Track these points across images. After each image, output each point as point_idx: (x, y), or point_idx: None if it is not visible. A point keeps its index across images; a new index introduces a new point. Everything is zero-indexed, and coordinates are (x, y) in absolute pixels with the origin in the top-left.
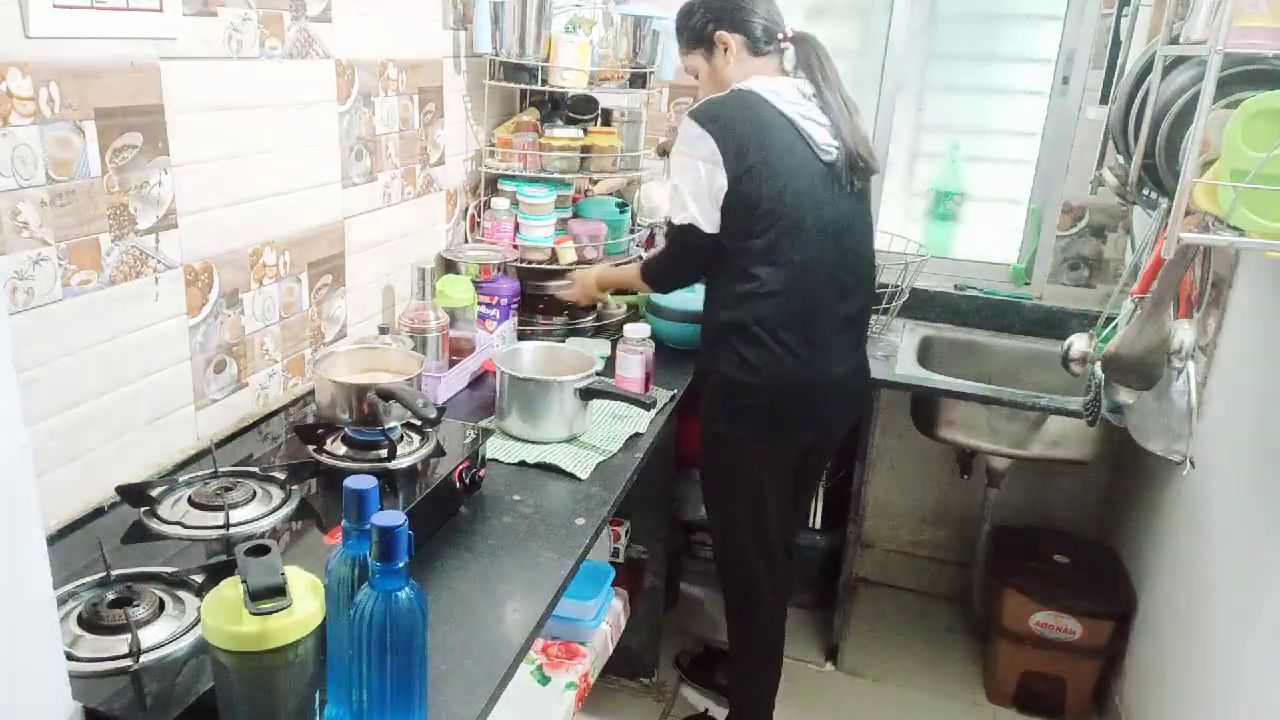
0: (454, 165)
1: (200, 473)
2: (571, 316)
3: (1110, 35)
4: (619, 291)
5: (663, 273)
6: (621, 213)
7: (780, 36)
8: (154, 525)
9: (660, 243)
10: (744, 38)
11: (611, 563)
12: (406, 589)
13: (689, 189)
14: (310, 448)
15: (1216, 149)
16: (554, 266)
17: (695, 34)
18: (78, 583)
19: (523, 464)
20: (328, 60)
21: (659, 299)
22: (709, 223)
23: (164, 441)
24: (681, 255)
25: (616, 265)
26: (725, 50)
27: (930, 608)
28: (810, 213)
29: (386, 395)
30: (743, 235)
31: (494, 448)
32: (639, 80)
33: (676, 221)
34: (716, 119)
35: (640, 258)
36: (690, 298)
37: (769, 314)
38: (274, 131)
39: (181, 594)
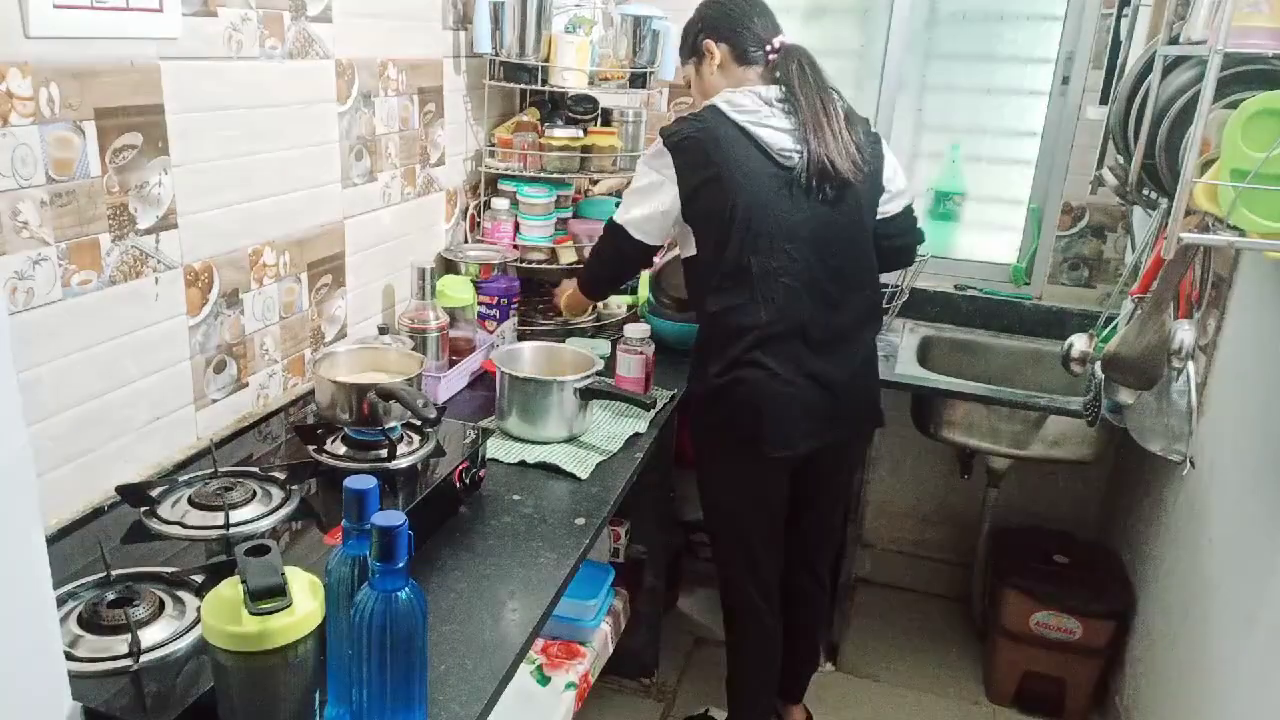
0: (454, 165)
1: (200, 473)
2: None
3: (1110, 35)
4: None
5: (590, 275)
6: None
7: (769, 48)
8: (154, 525)
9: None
10: (729, 47)
11: (611, 563)
12: (406, 589)
13: (639, 195)
14: (310, 448)
15: (1216, 149)
16: (554, 266)
17: (689, 44)
18: (78, 583)
19: (523, 464)
20: (328, 60)
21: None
22: (641, 232)
23: (164, 441)
24: (605, 254)
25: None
26: (710, 58)
27: (930, 608)
28: (772, 220)
29: (386, 395)
30: (715, 249)
31: (494, 448)
32: (639, 80)
33: (616, 219)
34: (677, 137)
35: None
36: None
37: (742, 326)
38: (274, 131)
39: (181, 594)
